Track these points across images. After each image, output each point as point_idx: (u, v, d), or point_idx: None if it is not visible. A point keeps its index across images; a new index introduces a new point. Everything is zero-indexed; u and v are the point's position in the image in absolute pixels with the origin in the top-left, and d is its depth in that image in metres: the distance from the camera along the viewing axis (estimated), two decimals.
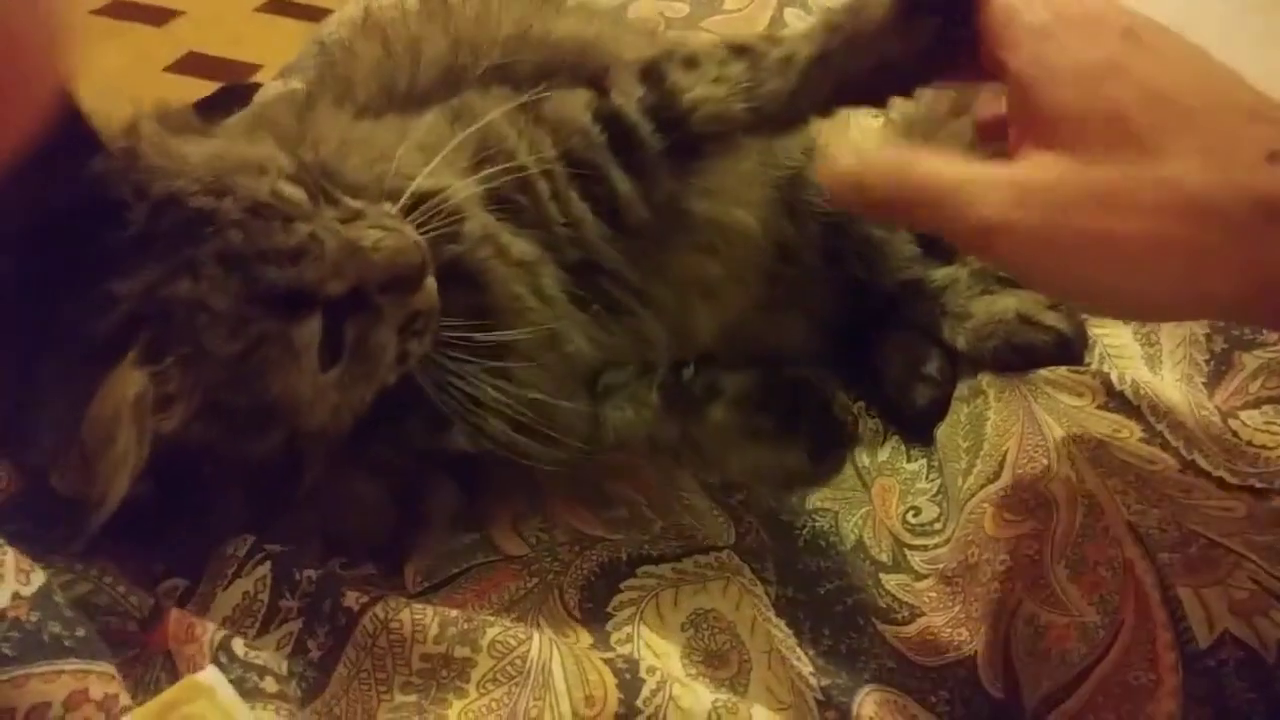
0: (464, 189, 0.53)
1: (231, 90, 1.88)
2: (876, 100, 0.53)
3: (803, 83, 0.52)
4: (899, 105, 0.85)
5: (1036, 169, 0.38)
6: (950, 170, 0.40)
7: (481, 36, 0.66)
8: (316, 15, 2.46)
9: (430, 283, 0.49)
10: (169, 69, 2.12)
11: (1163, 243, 0.36)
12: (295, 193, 0.45)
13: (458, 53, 0.64)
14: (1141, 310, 0.43)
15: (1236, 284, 0.36)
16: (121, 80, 2.05)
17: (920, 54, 0.48)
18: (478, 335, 0.50)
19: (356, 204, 0.48)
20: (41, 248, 0.43)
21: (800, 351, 0.71)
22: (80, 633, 0.35)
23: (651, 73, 0.58)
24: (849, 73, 0.51)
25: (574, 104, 0.58)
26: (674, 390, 0.60)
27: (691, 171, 0.58)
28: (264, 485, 0.48)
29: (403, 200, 0.50)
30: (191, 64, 2.15)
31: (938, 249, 0.74)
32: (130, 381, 0.40)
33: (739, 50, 0.56)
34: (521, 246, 0.54)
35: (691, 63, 0.57)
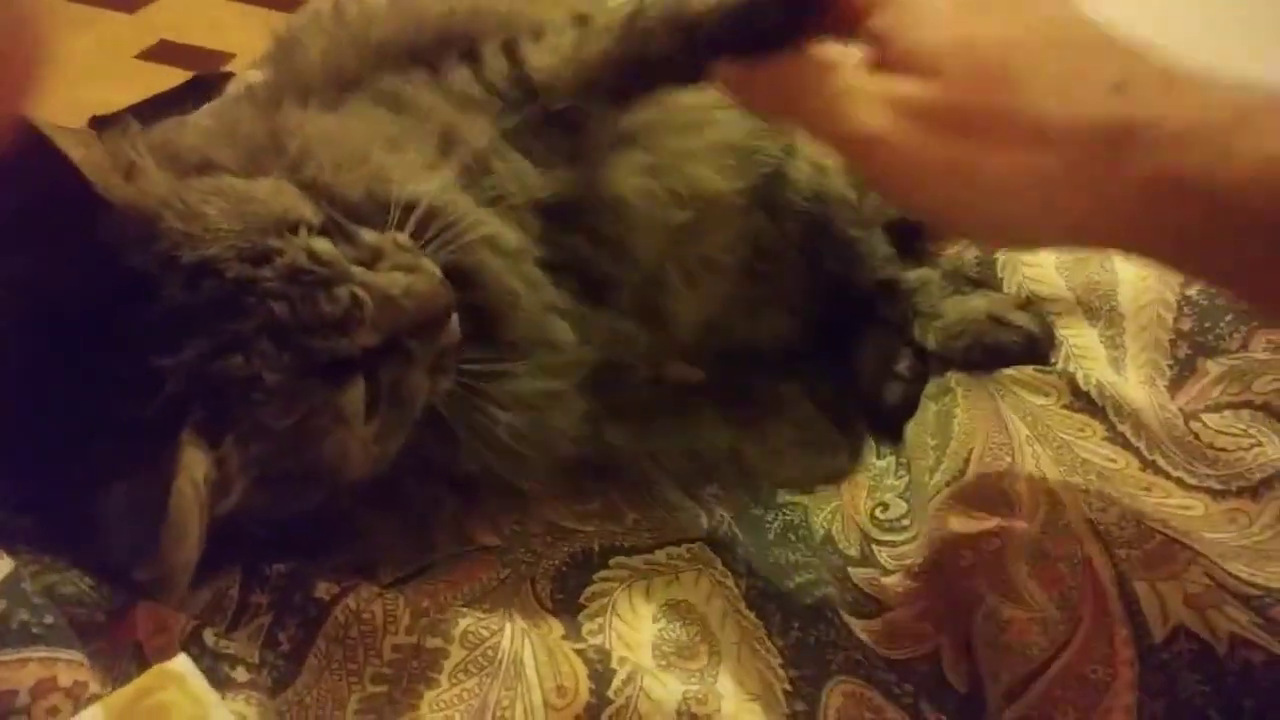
0: (453, 193, 0.52)
1: (200, 81, 1.86)
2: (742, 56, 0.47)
3: (629, 47, 0.52)
4: None
5: (912, 89, 0.40)
6: (841, 77, 0.41)
7: (429, 14, 0.63)
8: (290, 5, 2.44)
9: (454, 318, 0.48)
10: (140, 56, 2.09)
11: (1018, 170, 0.38)
12: (328, 249, 0.44)
13: (401, 33, 0.62)
14: (1006, 234, 0.45)
15: (1087, 208, 0.38)
16: (92, 67, 2.02)
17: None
18: (480, 364, 0.50)
19: (370, 238, 0.47)
20: (60, 323, 0.40)
21: (779, 347, 0.72)
22: (48, 620, 0.35)
23: (509, 46, 0.57)
24: (692, 39, 0.49)
25: (468, 79, 0.57)
26: (730, 407, 0.60)
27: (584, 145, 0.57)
28: (278, 530, 0.48)
29: (410, 223, 0.49)
30: (163, 52, 2.12)
31: (912, 251, 0.76)
32: (197, 465, 0.39)
33: (579, 17, 0.56)
34: (509, 235, 0.54)
35: (538, 33, 0.57)
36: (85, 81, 1.99)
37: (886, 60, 0.41)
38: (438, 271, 0.48)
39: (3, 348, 0.40)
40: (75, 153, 0.40)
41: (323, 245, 0.44)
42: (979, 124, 0.38)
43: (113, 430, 0.40)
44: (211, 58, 2.10)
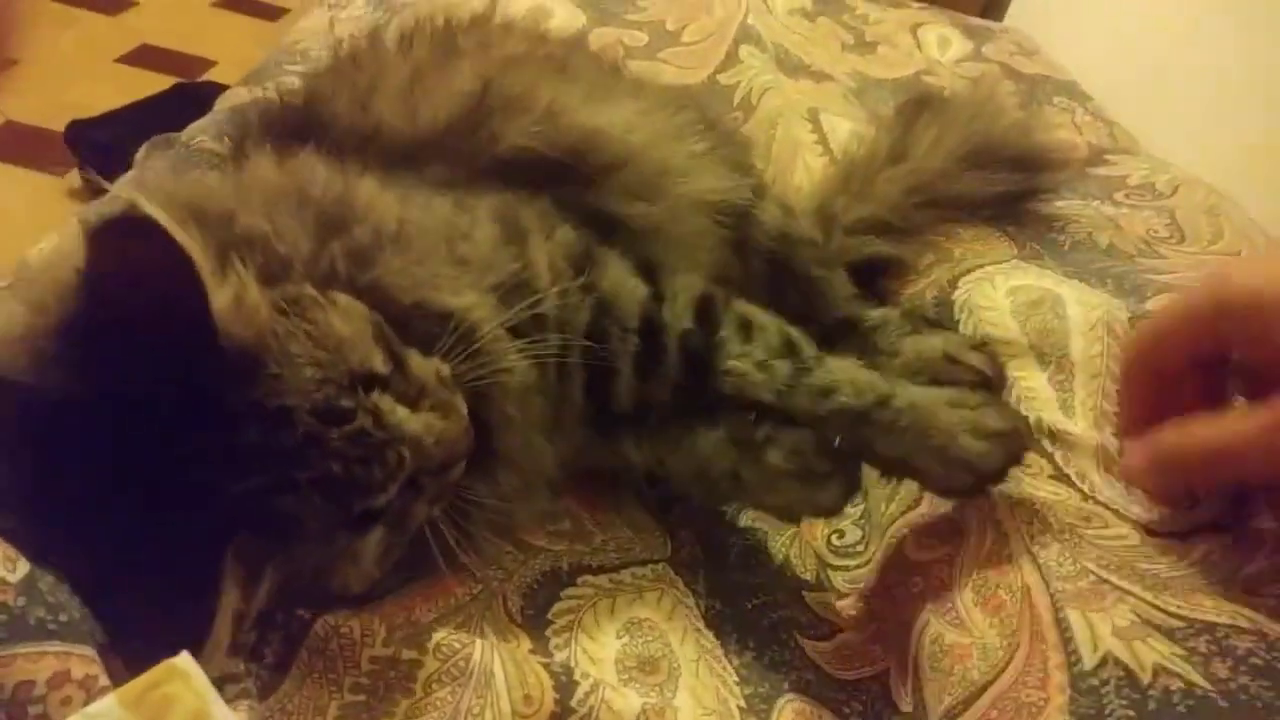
0: (494, 326, 0.53)
1: (185, 89, 1.87)
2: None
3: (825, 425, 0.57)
4: (841, 148, 0.91)
5: None
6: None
7: (515, 90, 0.64)
8: (273, 14, 2.45)
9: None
10: (120, 60, 2.09)
11: None
12: (390, 409, 0.46)
13: (484, 100, 0.64)
14: None
15: None
16: (72, 68, 2.02)
17: None
18: (474, 488, 0.52)
19: (417, 368, 0.49)
20: (139, 428, 0.41)
21: None
22: (63, 618, 0.37)
23: (709, 312, 0.60)
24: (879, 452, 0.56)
25: (628, 296, 0.59)
26: (737, 430, 0.62)
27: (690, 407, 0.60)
28: None
29: (453, 348, 0.51)
30: (144, 56, 2.12)
31: (875, 291, 0.79)
32: (231, 600, 0.41)
33: (792, 347, 0.59)
34: (525, 372, 0.55)
35: (747, 331, 0.59)
36: (65, 82, 2.00)
37: None
38: (465, 414, 0.50)
39: (82, 433, 0.41)
40: (216, 297, 0.41)
41: (387, 405, 0.46)
42: None
43: (164, 523, 0.41)
44: (192, 64, 2.11)
